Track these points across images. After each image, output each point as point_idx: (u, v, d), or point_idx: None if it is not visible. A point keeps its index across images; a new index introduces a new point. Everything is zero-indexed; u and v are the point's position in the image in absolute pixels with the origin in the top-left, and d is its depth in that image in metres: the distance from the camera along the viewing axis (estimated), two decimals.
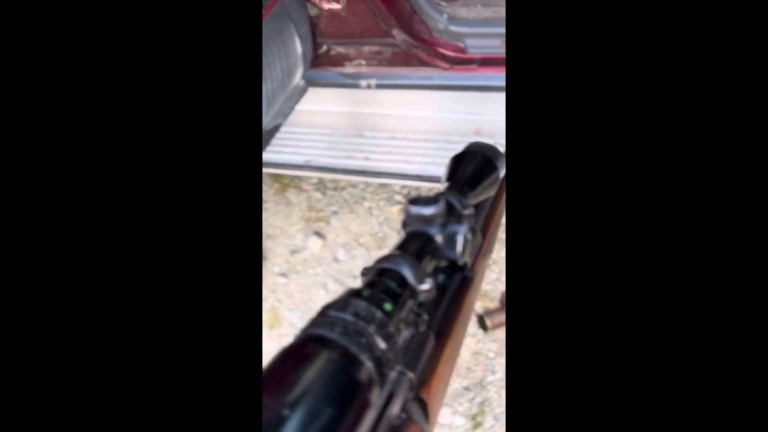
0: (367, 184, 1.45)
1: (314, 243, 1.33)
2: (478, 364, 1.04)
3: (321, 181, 1.48)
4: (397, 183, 1.02)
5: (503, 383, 1.00)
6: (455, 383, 1.02)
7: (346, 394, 0.21)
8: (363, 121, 1.07)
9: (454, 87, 0.97)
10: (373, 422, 0.26)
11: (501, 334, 1.08)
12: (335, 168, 0.99)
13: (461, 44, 0.94)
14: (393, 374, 0.28)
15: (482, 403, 1.00)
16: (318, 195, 1.44)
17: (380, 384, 0.23)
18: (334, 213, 1.39)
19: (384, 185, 1.42)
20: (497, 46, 0.94)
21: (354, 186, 1.47)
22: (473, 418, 0.98)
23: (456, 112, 1.01)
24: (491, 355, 1.05)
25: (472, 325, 1.09)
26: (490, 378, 1.02)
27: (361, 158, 0.99)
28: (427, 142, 1.00)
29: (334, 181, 1.48)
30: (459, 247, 0.34)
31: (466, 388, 1.02)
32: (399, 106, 1.04)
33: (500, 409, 0.97)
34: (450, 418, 1.00)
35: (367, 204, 1.39)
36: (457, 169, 0.46)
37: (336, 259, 1.28)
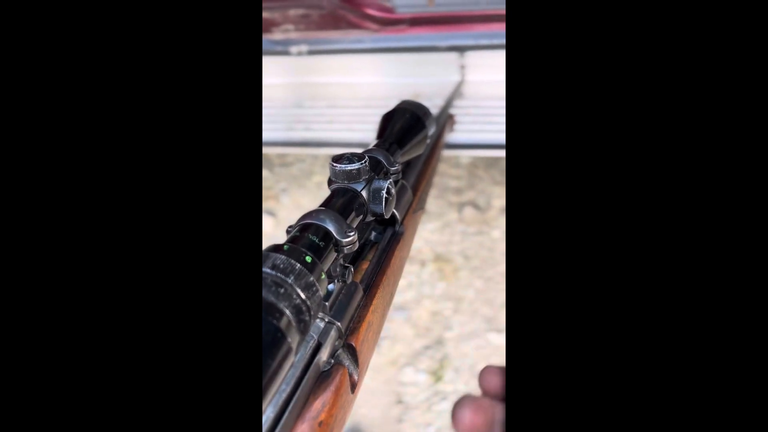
0: (315, 158, 1.43)
1: (266, 222, 1.30)
2: (436, 323, 1.09)
3: (267, 158, 1.45)
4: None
5: (459, 338, 1.05)
6: (415, 343, 1.06)
7: (265, 341, 0.21)
8: (300, 90, 1.04)
9: (388, 49, 0.96)
10: (302, 369, 0.27)
11: (456, 289, 1.12)
12: (276, 141, 0.97)
13: (388, 4, 0.92)
14: (321, 324, 0.29)
15: (441, 359, 1.04)
16: (265, 173, 1.40)
17: (301, 331, 0.24)
18: (283, 190, 1.36)
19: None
20: (425, 5, 0.93)
21: (302, 161, 1.44)
22: (434, 373, 1.03)
23: (393, 76, 1.00)
24: (448, 313, 1.10)
25: (431, 286, 1.13)
26: (448, 335, 1.07)
27: (302, 129, 0.97)
28: (368, 109, 0.99)
29: (280, 157, 1.45)
30: (384, 201, 0.35)
31: (426, 347, 1.06)
32: (335, 72, 1.02)
33: (458, 362, 1.02)
34: (413, 376, 1.04)
35: (316, 178, 1.38)
36: (386, 126, 0.47)
37: None
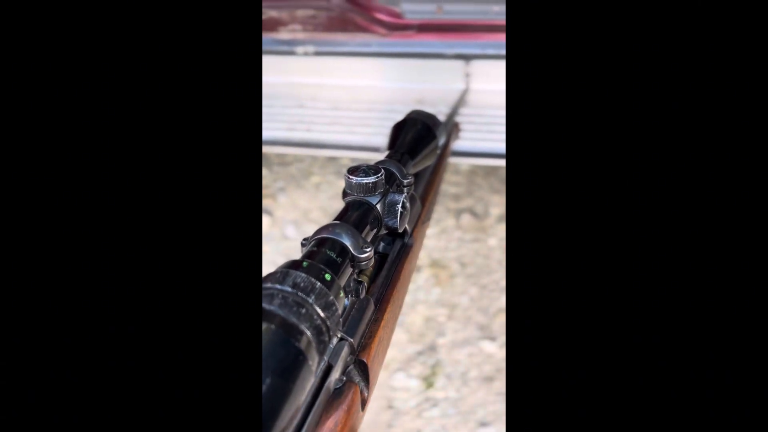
0: (314, 159, 1.42)
1: (262, 221, 1.29)
2: (430, 328, 1.09)
3: (265, 157, 1.43)
4: (342, 155, 1.01)
5: (452, 345, 1.05)
6: (408, 348, 1.06)
7: (286, 363, 0.21)
8: (303, 90, 1.03)
9: (394, 54, 0.96)
10: (313, 393, 0.26)
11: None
12: (276, 141, 0.96)
13: (397, 9, 0.92)
14: (334, 340, 0.29)
15: (434, 365, 1.04)
16: (263, 171, 1.39)
17: (320, 352, 0.23)
18: (281, 189, 1.35)
19: (332, 159, 1.39)
20: (434, 12, 0.93)
21: (300, 161, 1.43)
22: (426, 379, 1.03)
23: (398, 81, 1.00)
24: (441, 319, 1.10)
25: (426, 291, 1.13)
26: (441, 341, 1.07)
27: (302, 130, 0.97)
28: (370, 112, 0.99)
29: (279, 156, 1.44)
30: (399, 216, 0.35)
31: (419, 353, 1.06)
32: (340, 74, 1.01)
33: (450, 368, 1.02)
34: (405, 381, 1.04)
35: (315, 179, 1.37)
36: (398, 137, 0.47)
37: (285, 237, 1.26)
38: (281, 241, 1.25)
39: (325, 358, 0.27)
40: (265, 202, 1.32)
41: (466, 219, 1.24)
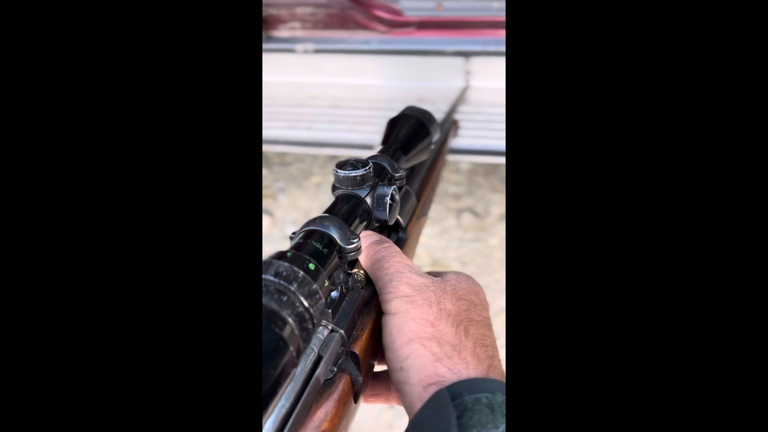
0: (315, 158, 1.43)
1: (263, 221, 1.29)
2: None
3: (266, 157, 1.44)
4: (342, 153, 1.01)
5: None
6: None
7: (267, 349, 0.21)
8: (303, 89, 1.04)
9: (394, 51, 0.96)
10: (302, 383, 0.26)
11: None
12: (276, 140, 0.96)
13: (397, 6, 0.92)
14: (325, 331, 0.29)
15: None
16: (263, 171, 1.39)
17: (304, 339, 0.23)
18: (281, 189, 1.35)
19: (332, 158, 1.40)
20: (433, 8, 0.93)
21: (301, 160, 1.44)
22: None
23: (398, 79, 1.00)
24: None
25: None
26: None
27: (303, 128, 0.97)
28: (371, 111, 0.99)
29: (279, 155, 1.44)
30: (388, 208, 0.35)
31: None
32: (340, 73, 1.01)
33: None
34: None
35: (315, 179, 1.37)
36: (391, 132, 0.46)
37: (285, 237, 1.26)
38: (282, 241, 1.25)
39: (315, 348, 0.27)
40: (266, 202, 1.32)
41: (467, 218, 1.23)
